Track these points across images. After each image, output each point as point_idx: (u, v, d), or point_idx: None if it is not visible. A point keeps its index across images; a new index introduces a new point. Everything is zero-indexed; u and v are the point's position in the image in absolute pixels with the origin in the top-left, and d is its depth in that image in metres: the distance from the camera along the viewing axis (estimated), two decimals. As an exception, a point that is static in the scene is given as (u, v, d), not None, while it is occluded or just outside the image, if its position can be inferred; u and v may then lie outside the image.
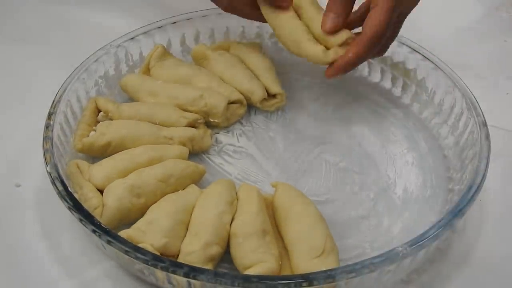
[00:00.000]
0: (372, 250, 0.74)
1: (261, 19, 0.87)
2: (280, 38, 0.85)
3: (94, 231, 0.67)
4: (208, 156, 0.85)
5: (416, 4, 0.82)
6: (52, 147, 0.76)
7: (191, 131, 0.84)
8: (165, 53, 0.93)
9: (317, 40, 0.83)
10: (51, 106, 0.81)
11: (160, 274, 0.66)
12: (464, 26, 1.12)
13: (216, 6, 0.90)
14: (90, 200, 0.73)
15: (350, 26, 0.83)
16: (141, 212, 0.73)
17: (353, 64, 0.81)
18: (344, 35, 0.81)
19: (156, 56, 0.92)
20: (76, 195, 0.72)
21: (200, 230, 0.70)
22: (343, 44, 0.81)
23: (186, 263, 0.66)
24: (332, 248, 0.70)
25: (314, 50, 0.82)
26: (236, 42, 0.97)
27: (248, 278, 0.64)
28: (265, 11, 0.86)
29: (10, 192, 0.80)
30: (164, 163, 0.78)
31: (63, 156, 0.78)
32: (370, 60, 0.93)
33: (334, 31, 0.81)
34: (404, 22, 0.83)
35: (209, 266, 0.68)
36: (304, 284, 0.63)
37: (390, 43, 0.84)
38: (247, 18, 0.91)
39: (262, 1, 0.85)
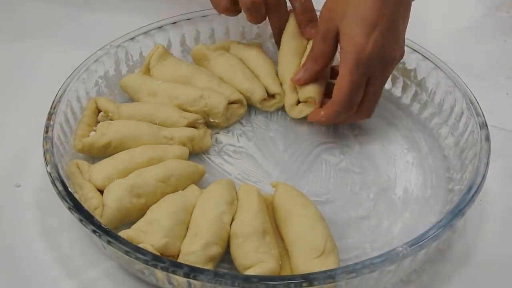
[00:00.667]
0: (372, 250, 0.74)
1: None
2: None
3: (94, 231, 0.67)
4: (208, 156, 0.85)
5: (389, 67, 0.82)
6: (52, 147, 0.76)
7: (191, 131, 0.83)
8: (165, 53, 0.93)
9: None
10: (51, 106, 0.81)
11: (160, 274, 0.66)
12: (464, 26, 1.12)
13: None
14: (90, 200, 0.73)
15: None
16: (141, 212, 0.73)
17: (325, 122, 0.85)
18: (306, 93, 0.87)
19: (156, 56, 0.92)
20: (76, 195, 0.72)
21: (200, 230, 0.70)
22: (307, 100, 0.87)
23: (186, 263, 0.66)
24: (332, 248, 0.70)
25: (287, 99, 0.89)
26: (236, 42, 0.97)
27: (248, 278, 0.64)
28: None
29: (10, 192, 0.80)
30: (164, 163, 0.78)
31: (63, 156, 0.78)
32: None
33: (299, 84, 0.87)
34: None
35: (209, 266, 0.68)
36: (304, 284, 0.63)
37: (373, 106, 0.85)
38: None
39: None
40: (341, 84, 0.80)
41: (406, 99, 0.93)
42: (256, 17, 0.89)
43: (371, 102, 0.84)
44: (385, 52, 0.80)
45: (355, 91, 0.80)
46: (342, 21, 0.80)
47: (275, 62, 0.93)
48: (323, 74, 0.88)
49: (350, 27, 0.79)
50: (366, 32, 0.78)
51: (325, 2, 0.84)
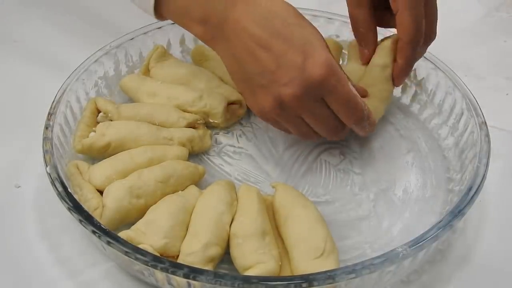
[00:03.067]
0: (372, 251, 0.74)
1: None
2: None
3: (94, 232, 0.67)
4: (208, 156, 0.85)
5: None
6: (52, 148, 0.76)
7: (191, 132, 0.83)
8: (165, 53, 0.93)
9: None
10: (51, 107, 0.81)
11: (160, 275, 0.66)
12: (464, 27, 1.12)
13: None
14: (89, 201, 0.73)
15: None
16: (141, 213, 0.73)
17: (405, 69, 0.83)
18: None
19: (155, 56, 0.92)
20: (76, 196, 0.72)
21: (200, 231, 0.70)
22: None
23: (186, 263, 0.66)
24: (332, 249, 0.70)
25: None
26: (236, 43, 0.97)
27: (248, 279, 0.64)
28: None
29: (10, 193, 0.80)
30: (163, 164, 0.78)
31: (63, 157, 0.78)
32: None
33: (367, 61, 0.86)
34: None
35: (209, 267, 0.68)
36: (304, 285, 0.63)
37: (431, 38, 0.83)
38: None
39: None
40: (406, 18, 0.77)
41: (406, 100, 0.93)
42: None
43: (434, 21, 0.82)
44: None
45: (421, 17, 0.78)
46: None
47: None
48: None
49: None
50: None
51: None
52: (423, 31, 0.79)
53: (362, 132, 0.79)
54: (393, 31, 0.84)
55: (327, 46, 0.73)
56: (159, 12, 0.78)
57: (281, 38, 0.71)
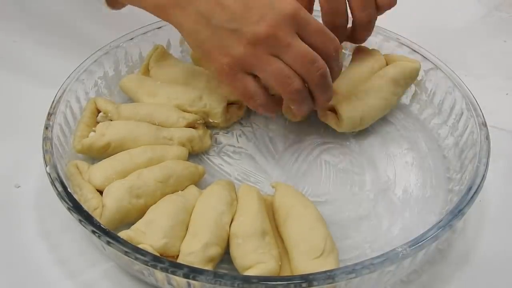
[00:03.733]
0: (372, 251, 0.74)
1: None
2: None
3: (93, 232, 0.67)
4: (208, 156, 0.85)
5: None
6: (52, 147, 0.76)
7: (191, 132, 0.83)
8: (165, 53, 0.93)
9: None
10: (51, 107, 0.81)
11: (160, 275, 0.66)
12: (464, 26, 1.12)
13: None
14: (89, 201, 0.73)
15: None
16: (141, 212, 0.73)
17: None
18: None
19: (155, 56, 0.91)
20: (75, 196, 0.72)
21: (200, 231, 0.70)
22: None
23: (186, 263, 0.66)
24: (332, 248, 0.70)
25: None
26: (236, 43, 0.97)
27: (247, 279, 0.64)
28: None
29: (10, 193, 0.80)
30: (163, 164, 0.78)
31: (63, 157, 0.78)
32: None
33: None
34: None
35: (209, 267, 0.68)
36: (303, 285, 0.63)
37: (368, 26, 0.85)
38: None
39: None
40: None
41: (405, 99, 0.93)
42: (304, 109, 0.78)
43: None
44: None
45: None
46: None
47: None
48: None
49: None
50: None
51: None
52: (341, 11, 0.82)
53: (336, 71, 0.79)
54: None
55: None
56: None
57: None
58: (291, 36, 0.73)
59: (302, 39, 0.73)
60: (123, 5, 0.85)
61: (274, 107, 0.80)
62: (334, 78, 0.78)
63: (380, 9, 0.83)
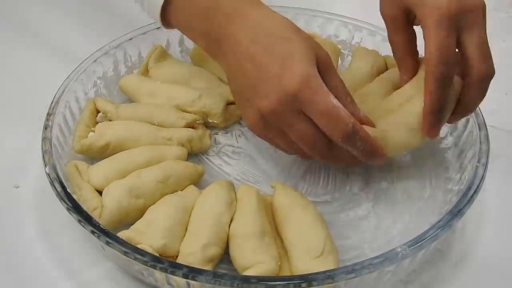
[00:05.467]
0: (371, 251, 0.74)
1: None
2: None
3: (93, 232, 0.67)
4: (207, 156, 0.85)
5: (476, 13, 0.70)
6: (51, 148, 0.76)
7: (190, 132, 0.83)
8: (164, 53, 0.93)
9: None
10: (50, 107, 0.81)
11: (159, 275, 0.66)
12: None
13: None
14: (89, 201, 0.73)
15: None
16: (140, 213, 0.73)
17: (439, 111, 0.72)
18: None
19: (154, 56, 0.92)
20: (75, 196, 0.72)
21: (199, 231, 0.70)
22: None
23: (185, 264, 0.66)
24: (331, 248, 0.70)
25: None
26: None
27: (247, 279, 0.64)
28: None
29: (9, 193, 0.80)
30: (163, 164, 0.78)
31: (62, 157, 0.78)
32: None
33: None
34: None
35: (208, 267, 0.68)
36: (303, 285, 0.63)
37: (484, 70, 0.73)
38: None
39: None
40: (430, 49, 0.69)
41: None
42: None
43: (479, 59, 0.71)
44: (462, 1, 0.69)
45: (446, 46, 0.69)
46: None
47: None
48: None
49: None
50: None
51: None
52: (452, 63, 0.70)
53: (363, 156, 0.73)
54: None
55: (314, 60, 0.70)
56: (166, 20, 0.79)
57: (266, 51, 0.70)
58: (294, 116, 0.70)
59: (309, 117, 0.70)
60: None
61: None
62: (347, 163, 0.75)
63: None
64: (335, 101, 0.69)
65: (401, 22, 0.76)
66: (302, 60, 0.69)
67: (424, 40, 0.71)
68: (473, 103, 0.75)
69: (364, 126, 0.72)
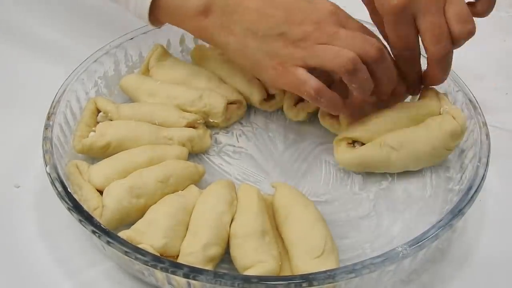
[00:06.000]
0: (372, 251, 0.74)
1: None
2: None
3: (93, 232, 0.67)
4: (208, 156, 0.85)
5: None
6: (52, 147, 0.76)
7: (191, 132, 0.83)
8: (165, 53, 0.93)
9: None
10: (51, 107, 0.81)
11: (160, 274, 0.66)
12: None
13: None
14: (89, 201, 0.73)
15: None
16: (141, 212, 0.73)
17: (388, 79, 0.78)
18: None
19: (155, 56, 0.91)
20: (75, 196, 0.72)
21: (200, 231, 0.70)
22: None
23: (186, 263, 0.66)
24: (332, 248, 0.70)
25: (286, 100, 0.89)
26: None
27: (247, 279, 0.64)
28: None
29: (10, 193, 0.80)
30: (163, 164, 0.77)
31: (63, 156, 0.78)
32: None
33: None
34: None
35: (209, 267, 0.68)
36: (304, 285, 0.63)
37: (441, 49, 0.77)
38: None
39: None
40: (391, 40, 0.78)
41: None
42: (364, 88, 0.76)
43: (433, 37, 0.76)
44: None
45: (403, 38, 0.77)
46: None
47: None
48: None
49: None
50: None
51: None
52: (413, 47, 0.78)
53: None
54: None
55: None
56: (154, 14, 0.79)
57: None
58: (336, 27, 0.74)
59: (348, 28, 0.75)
60: (163, 23, 0.86)
61: (334, 96, 0.76)
62: (378, 85, 0.76)
63: (456, 41, 0.77)
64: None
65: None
66: None
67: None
68: (436, 78, 0.81)
69: None
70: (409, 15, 0.75)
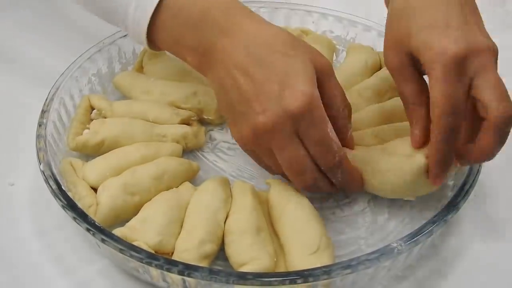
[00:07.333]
0: (367, 247, 0.74)
1: None
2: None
3: (88, 230, 0.67)
4: (202, 153, 0.85)
5: (485, 57, 0.66)
6: (46, 145, 0.76)
7: (185, 129, 0.83)
8: (159, 50, 0.92)
9: None
10: (44, 104, 0.81)
11: (155, 272, 0.66)
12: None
13: None
14: (84, 198, 0.72)
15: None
16: (135, 210, 0.73)
17: (443, 163, 0.69)
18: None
19: (149, 53, 0.91)
20: (70, 194, 0.72)
21: (195, 228, 0.70)
22: None
23: (180, 260, 0.66)
24: (327, 244, 0.69)
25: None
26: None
27: (243, 275, 0.64)
28: None
29: (3, 191, 0.80)
30: (157, 161, 0.77)
31: (57, 154, 0.78)
32: None
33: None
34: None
35: (204, 264, 0.68)
36: (299, 281, 0.63)
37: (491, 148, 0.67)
38: None
39: None
40: (435, 99, 0.65)
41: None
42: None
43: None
44: (470, 44, 0.66)
45: (453, 94, 0.65)
46: (411, 40, 0.68)
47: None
48: None
49: (423, 39, 0.66)
50: (441, 33, 0.66)
51: (384, 40, 0.73)
52: (459, 113, 0.66)
53: (336, 181, 0.72)
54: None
55: (315, 77, 0.68)
56: (152, 42, 0.77)
57: (263, 66, 0.68)
58: (288, 137, 0.68)
59: (302, 141, 0.68)
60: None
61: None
62: (324, 190, 0.74)
63: None
64: (331, 132, 0.68)
65: (408, 71, 0.71)
66: (304, 79, 0.67)
67: (430, 89, 0.66)
68: (491, 149, 0.67)
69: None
70: (467, 68, 0.66)
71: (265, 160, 0.73)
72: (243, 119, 0.70)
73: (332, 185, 0.73)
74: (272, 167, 0.74)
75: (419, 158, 0.71)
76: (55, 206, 0.70)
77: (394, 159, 0.73)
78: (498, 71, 0.67)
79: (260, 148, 0.71)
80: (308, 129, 0.67)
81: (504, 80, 0.65)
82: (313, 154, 0.69)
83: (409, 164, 0.71)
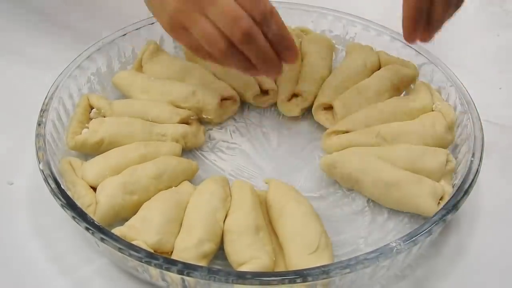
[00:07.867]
0: (366, 246, 0.74)
1: None
2: None
3: (87, 229, 0.67)
4: (202, 152, 0.85)
5: None
6: (45, 144, 0.76)
7: (184, 128, 0.83)
8: (158, 49, 0.92)
9: None
10: (43, 103, 0.81)
11: (154, 271, 0.66)
12: (457, 21, 1.12)
13: None
14: (83, 197, 0.72)
15: None
16: (135, 209, 0.73)
17: (412, 18, 0.77)
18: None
19: (148, 52, 0.91)
20: (69, 193, 0.72)
21: (194, 227, 0.70)
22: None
23: (180, 259, 0.66)
24: (326, 244, 0.70)
25: (279, 95, 0.87)
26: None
27: (242, 275, 0.64)
28: None
29: (3, 190, 0.80)
30: (157, 160, 0.77)
31: (56, 153, 0.78)
32: None
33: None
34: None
35: (203, 263, 0.68)
36: (298, 280, 0.63)
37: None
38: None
39: None
40: None
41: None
42: (241, 69, 0.74)
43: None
44: None
45: None
46: None
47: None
48: None
49: None
50: None
51: None
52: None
53: (272, 36, 0.72)
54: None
55: None
56: None
57: None
58: (197, 15, 0.70)
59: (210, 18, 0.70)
60: None
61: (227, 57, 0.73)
62: (271, 42, 0.72)
63: None
64: (233, 3, 0.69)
65: None
66: None
67: None
68: (441, 15, 0.79)
69: None
70: None
71: (190, 41, 0.74)
72: (162, 8, 0.73)
73: (249, 62, 0.73)
74: (192, 45, 0.74)
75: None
76: (54, 205, 0.70)
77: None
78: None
79: (186, 17, 0.72)
80: (211, 4, 0.69)
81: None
82: (223, 27, 0.70)
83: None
